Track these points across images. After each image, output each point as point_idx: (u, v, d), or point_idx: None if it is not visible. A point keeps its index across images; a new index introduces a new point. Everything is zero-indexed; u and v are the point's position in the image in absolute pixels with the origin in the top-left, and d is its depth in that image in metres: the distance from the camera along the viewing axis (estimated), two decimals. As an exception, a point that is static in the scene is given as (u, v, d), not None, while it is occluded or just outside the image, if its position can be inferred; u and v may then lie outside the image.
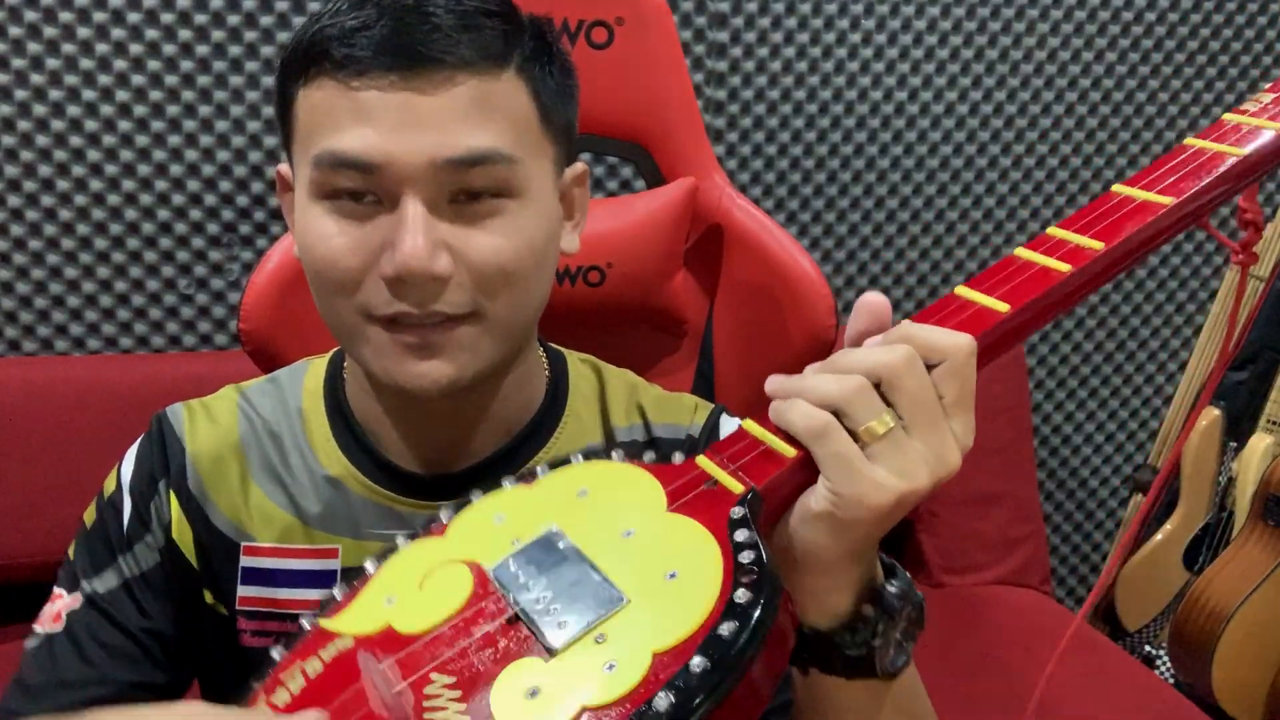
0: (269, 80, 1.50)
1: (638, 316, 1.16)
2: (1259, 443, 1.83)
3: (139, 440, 0.79)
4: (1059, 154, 1.81)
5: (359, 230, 0.65)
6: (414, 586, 0.54)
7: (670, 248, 1.14)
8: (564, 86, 0.71)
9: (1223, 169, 0.58)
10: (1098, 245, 0.56)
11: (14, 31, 1.43)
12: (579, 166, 0.76)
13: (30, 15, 1.43)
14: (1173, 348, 1.98)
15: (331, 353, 0.81)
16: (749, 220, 1.16)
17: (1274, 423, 1.86)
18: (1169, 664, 1.85)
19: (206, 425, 0.78)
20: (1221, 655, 1.71)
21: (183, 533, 0.75)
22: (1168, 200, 0.57)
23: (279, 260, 1.06)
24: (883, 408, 0.51)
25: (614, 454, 0.59)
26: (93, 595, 0.74)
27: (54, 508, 1.43)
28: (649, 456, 0.58)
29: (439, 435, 0.74)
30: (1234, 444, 1.87)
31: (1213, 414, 1.87)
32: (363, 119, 0.63)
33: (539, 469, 0.59)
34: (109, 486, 0.78)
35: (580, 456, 0.59)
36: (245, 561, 0.75)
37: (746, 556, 0.49)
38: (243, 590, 0.76)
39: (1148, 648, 1.93)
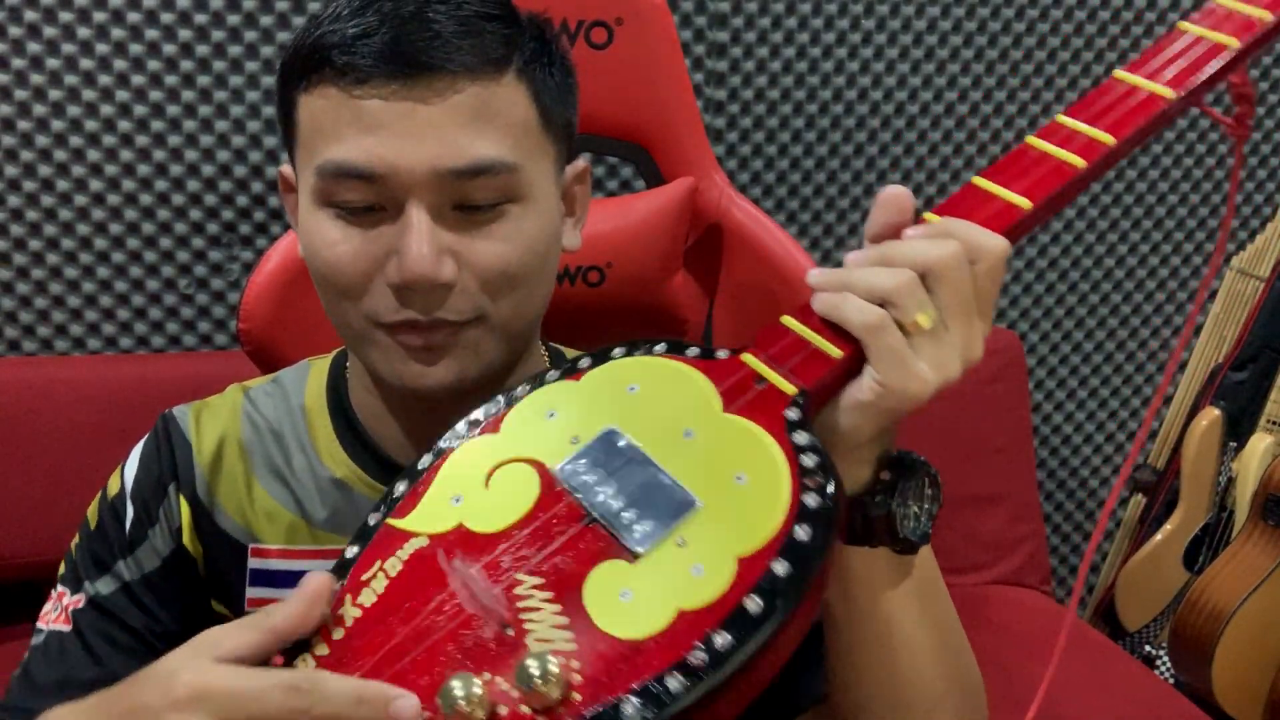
0: (269, 80, 1.50)
1: (637, 317, 1.16)
2: (1259, 443, 1.83)
3: (144, 440, 0.79)
4: (1059, 154, 1.81)
5: (363, 236, 0.65)
6: (479, 485, 0.54)
7: (670, 248, 1.14)
8: (564, 85, 0.71)
9: (1220, 59, 0.58)
10: (1109, 140, 0.57)
11: (14, 31, 1.43)
12: (580, 164, 0.75)
13: (30, 15, 1.43)
14: (1173, 347, 1.98)
15: (334, 353, 0.81)
16: (749, 220, 1.16)
17: (1274, 423, 1.86)
18: (1169, 664, 1.85)
19: (211, 426, 0.78)
20: (1221, 655, 1.71)
21: (193, 538, 0.75)
22: (1170, 94, 0.58)
23: (279, 260, 1.06)
24: (928, 301, 0.53)
25: (657, 349, 0.59)
26: (95, 597, 0.74)
27: (54, 508, 1.43)
28: (692, 352, 0.58)
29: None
30: (1234, 444, 1.87)
31: (1213, 414, 1.87)
32: (365, 128, 0.63)
33: (582, 362, 0.59)
34: (112, 487, 0.78)
35: (623, 350, 0.59)
36: (253, 563, 0.75)
37: (809, 460, 0.51)
38: (251, 592, 0.76)
39: (1148, 648, 1.93)
